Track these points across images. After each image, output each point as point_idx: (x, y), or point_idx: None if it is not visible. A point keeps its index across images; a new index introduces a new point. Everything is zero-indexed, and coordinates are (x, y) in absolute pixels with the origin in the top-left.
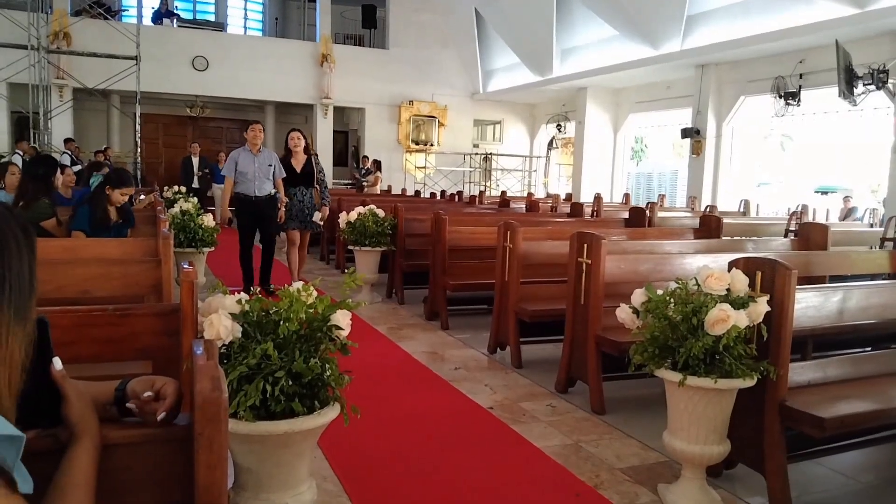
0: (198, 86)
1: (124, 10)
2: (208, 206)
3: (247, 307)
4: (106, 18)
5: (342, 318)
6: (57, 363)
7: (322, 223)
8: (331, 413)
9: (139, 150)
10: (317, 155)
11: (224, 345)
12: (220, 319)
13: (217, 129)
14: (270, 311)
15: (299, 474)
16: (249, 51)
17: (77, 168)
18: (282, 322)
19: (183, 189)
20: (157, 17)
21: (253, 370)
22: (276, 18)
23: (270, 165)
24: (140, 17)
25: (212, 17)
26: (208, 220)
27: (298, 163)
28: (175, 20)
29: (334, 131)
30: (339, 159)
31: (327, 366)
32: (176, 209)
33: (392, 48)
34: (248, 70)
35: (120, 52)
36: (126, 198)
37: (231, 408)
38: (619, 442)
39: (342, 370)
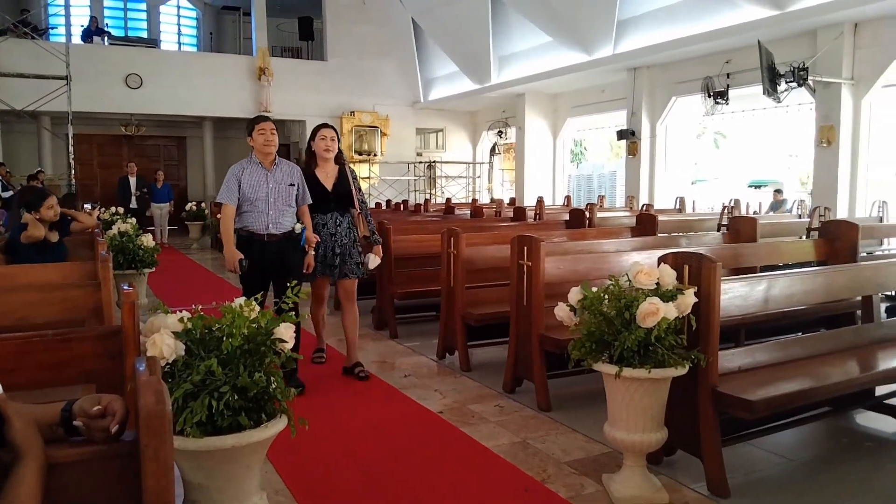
0: (132, 104)
1: (52, 29)
2: (147, 226)
3: (189, 325)
4: (33, 38)
5: (286, 332)
6: None
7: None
8: (278, 425)
9: (73, 171)
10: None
11: (168, 363)
12: (163, 338)
13: (154, 147)
14: (213, 328)
15: (249, 488)
16: (185, 66)
17: (8, 194)
18: (225, 338)
19: (121, 210)
20: (87, 34)
21: (198, 387)
22: (211, 33)
23: (292, 185)
24: (69, 35)
25: (144, 34)
26: (148, 240)
27: (328, 176)
28: (106, 38)
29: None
30: None
31: (272, 379)
32: (114, 231)
33: (330, 59)
34: (184, 86)
35: (49, 72)
36: (53, 210)
37: (178, 425)
38: (565, 437)
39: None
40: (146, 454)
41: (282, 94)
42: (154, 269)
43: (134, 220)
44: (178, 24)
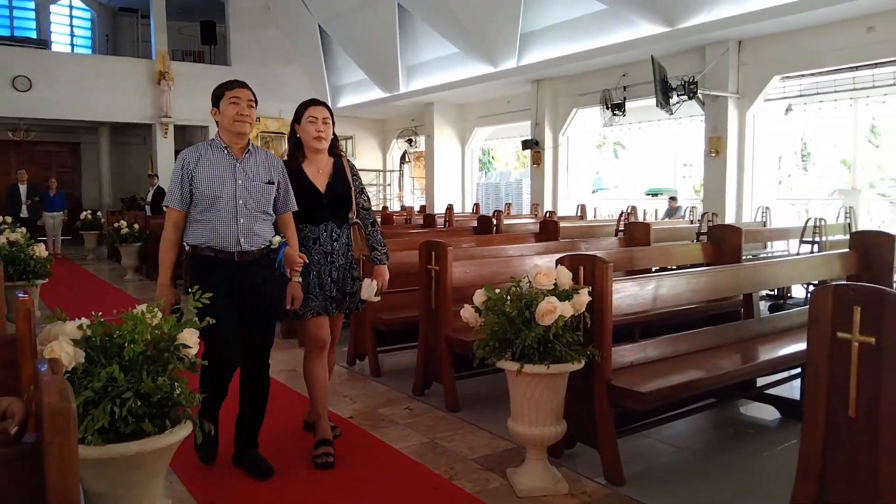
0: (20, 108)
1: None
2: (39, 236)
3: (88, 332)
4: None
5: (190, 337)
6: None
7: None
8: (183, 431)
9: None
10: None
11: (67, 371)
12: (62, 346)
13: (45, 154)
14: (114, 335)
15: (154, 495)
16: (78, 70)
17: None
18: (127, 344)
19: (9, 219)
20: None
21: (99, 394)
22: (107, 35)
23: (271, 183)
24: None
25: (33, 35)
26: (40, 250)
27: (320, 173)
28: None
29: (176, 151)
30: None
31: (177, 384)
32: (2, 240)
33: (234, 64)
34: (78, 90)
35: None
36: None
37: (79, 433)
38: (472, 435)
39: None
40: (50, 452)
41: (183, 98)
42: (47, 281)
43: (24, 230)
44: (71, 25)
